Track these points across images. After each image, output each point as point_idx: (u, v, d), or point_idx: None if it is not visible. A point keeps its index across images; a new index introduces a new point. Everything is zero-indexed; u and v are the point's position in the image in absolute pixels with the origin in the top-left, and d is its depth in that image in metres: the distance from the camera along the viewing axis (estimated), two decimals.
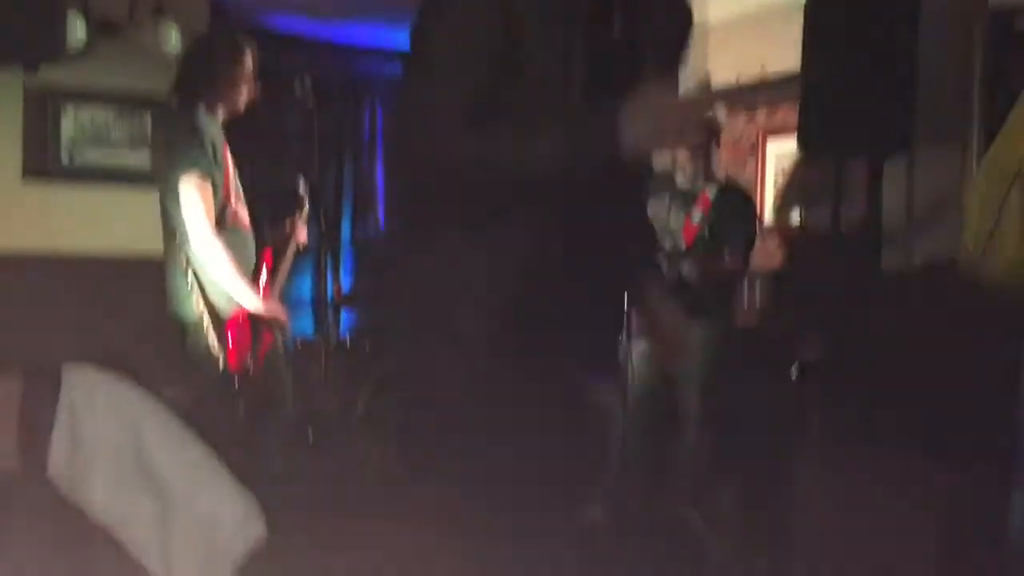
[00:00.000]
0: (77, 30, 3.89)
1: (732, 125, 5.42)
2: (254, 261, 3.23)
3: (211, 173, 2.97)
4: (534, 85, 1.42)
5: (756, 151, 5.25)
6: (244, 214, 3.18)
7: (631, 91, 1.39)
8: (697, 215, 3.73)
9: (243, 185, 3.20)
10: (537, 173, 1.43)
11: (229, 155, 3.12)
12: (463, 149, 1.42)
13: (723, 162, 5.40)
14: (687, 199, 3.77)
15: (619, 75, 1.48)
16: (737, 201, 3.84)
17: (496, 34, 1.40)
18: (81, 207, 4.17)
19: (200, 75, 3.09)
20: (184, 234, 2.98)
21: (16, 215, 4.06)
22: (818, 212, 4.08)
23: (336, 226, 5.92)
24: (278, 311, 3.17)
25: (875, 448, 2.83)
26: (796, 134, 3.44)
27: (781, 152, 5.05)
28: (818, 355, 3.44)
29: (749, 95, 5.00)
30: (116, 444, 0.74)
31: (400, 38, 5.74)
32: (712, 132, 3.77)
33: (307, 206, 3.60)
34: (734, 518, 3.59)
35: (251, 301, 3.07)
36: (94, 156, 4.15)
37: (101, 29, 4.10)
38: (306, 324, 5.60)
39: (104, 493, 0.74)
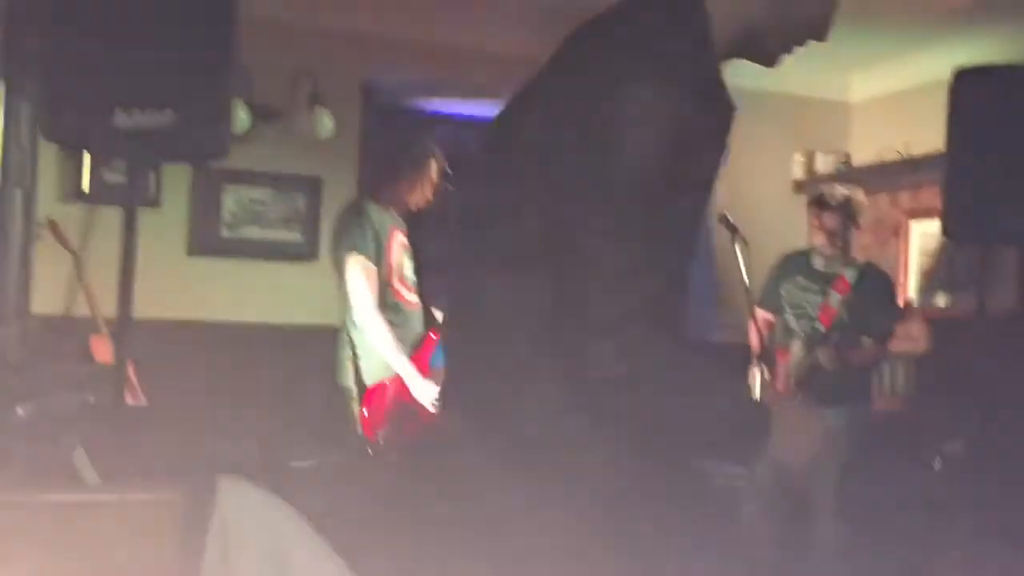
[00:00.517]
0: (241, 116, 4.20)
1: (874, 206, 5.32)
2: (417, 338, 3.48)
3: (372, 257, 3.33)
4: None
5: (899, 232, 5.12)
6: (408, 294, 3.50)
7: None
8: (835, 298, 3.67)
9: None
10: None
11: (396, 243, 3.45)
12: None
13: (864, 243, 5.30)
14: (825, 281, 3.72)
15: None
16: (877, 284, 3.75)
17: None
18: (239, 280, 4.43)
19: (378, 173, 3.43)
20: (348, 307, 3.35)
21: (181, 287, 4.34)
22: (964, 297, 3.95)
23: None
24: (431, 392, 3.33)
25: (1019, 549, 2.69)
26: (940, 219, 3.36)
27: (925, 233, 4.92)
28: (962, 446, 3.30)
29: (892, 176, 4.91)
30: (260, 554, 0.82)
31: None
32: (850, 214, 3.72)
33: None
34: None
35: (405, 372, 3.30)
36: (252, 232, 4.42)
37: (262, 115, 4.40)
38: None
39: None
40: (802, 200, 4.91)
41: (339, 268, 3.42)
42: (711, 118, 1.31)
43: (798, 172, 5.24)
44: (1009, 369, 3.36)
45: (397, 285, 3.45)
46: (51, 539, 0.86)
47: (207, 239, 4.40)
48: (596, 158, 1.23)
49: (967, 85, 3.27)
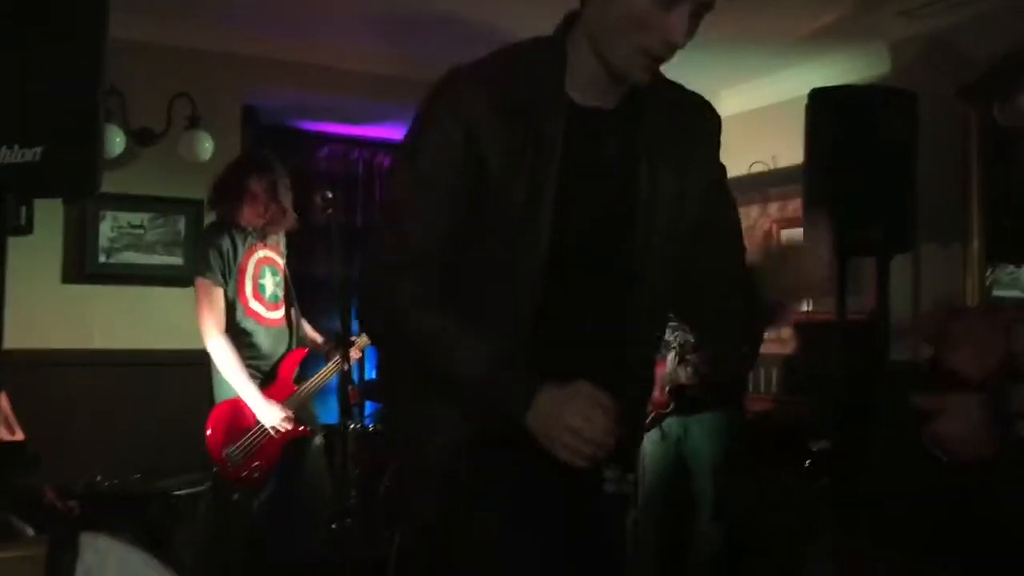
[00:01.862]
0: (116, 140, 4.13)
1: (746, 216, 5.55)
2: (278, 355, 3.44)
3: (217, 279, 3.37)
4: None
5: (769, 240, 5.36)
6: (268, 311, 3.48)
7: None
8: None
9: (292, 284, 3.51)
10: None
11: (252, 261, 3.43)
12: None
13: None
14: None
15: None
16: None
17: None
18: (117, 306, 4.34)
19: (224, 192, 3.43)
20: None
21: (56, 315, 4.23)
22: (826, 302, 4.16)
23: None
24: (274, 416, 3.33)
25: (883, 546, 2.86)
26: (802, 229, 3.55)
27: (794, 240, 5.16)
28: (828, 446, 3.49)
29: (761, 187, 5.14)
30: None
31: None
32: None
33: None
34: None
35: (247, 394, 3.32)
36: (131, 257, 4.34)
37: (139, 138, 4.33)
38: (332, 412, 5.72)
39: None
40: None
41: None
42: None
43: None
44: (865, 370, 3.57)
45: (253, 304, 3.45)
46: None
47: (83, 265, 4.30)
48: None
49: (821, 104, 3.47)
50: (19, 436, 3.33)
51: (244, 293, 3.41)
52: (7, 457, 2.89)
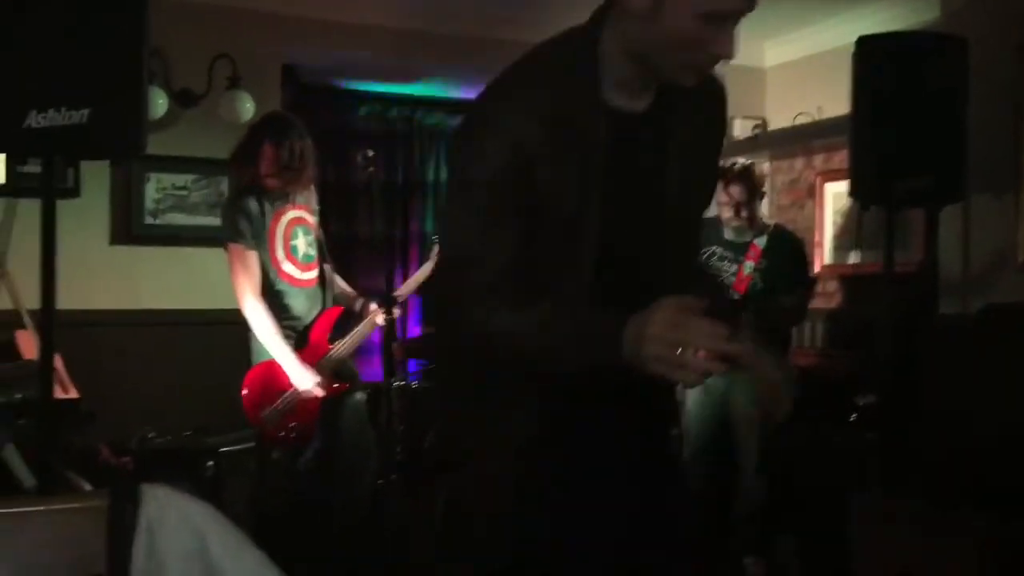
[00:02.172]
0: (158, 102, 4.17)
1: (790, 168, 5.48)
2: (312, 316, 3.48)
3: (250, 242, 3.35)
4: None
5: (814, 194, 5.29)
6: (301, 272, 3.49)
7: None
8: (748, 266, 3.80)
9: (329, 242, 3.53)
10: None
11: (283, 222, 3.45)
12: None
13: (781, 204, 5.46)
14: (737, 250, 3.85)
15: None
16: (787, 247, 3.89)
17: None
18: (164, 267, 4.41)
19: (240, 158, 3.47)
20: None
21: (105, 277, 4.30)
22: (875, 254, 4.11)
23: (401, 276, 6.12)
24: (308, 380, 3.36)
25: (932, 498, 2.84)
26: (848, 182, 3.49)
27: (838, 193, 5.09)
28: (875, 400, 3.46)
29: (806, 139, 5.06)
30: (185, 551, 0.88)
31: (461, 90, 5.95)
32: (752, 183, 3.84)
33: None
34: (792, 567, 3.62)
35: (282, 357, 3.34)
36: (176, 219, 4.40)
37: (181, 99, 4.36)
38: (376, 370, 5.80)
39: None
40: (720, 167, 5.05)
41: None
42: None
43: None
44: (913, 323, 3.53)
45: (286, 266, 3.44)
46: None
47: (130, 227, 4.37)
48: None
49: (868, 52, 3.39)
50: (73, 394, 3.41)
51: (276, 256, 3.41)
52: (62, 415, 2.96)
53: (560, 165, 1.50)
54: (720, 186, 3.80)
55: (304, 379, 3.36)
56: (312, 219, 3.56)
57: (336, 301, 3.60)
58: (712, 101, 1.71)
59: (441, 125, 6.26)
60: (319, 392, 3.37)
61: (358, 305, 3.67)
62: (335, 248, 6.03)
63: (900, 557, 2.77)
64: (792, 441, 3.81)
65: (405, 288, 3.87)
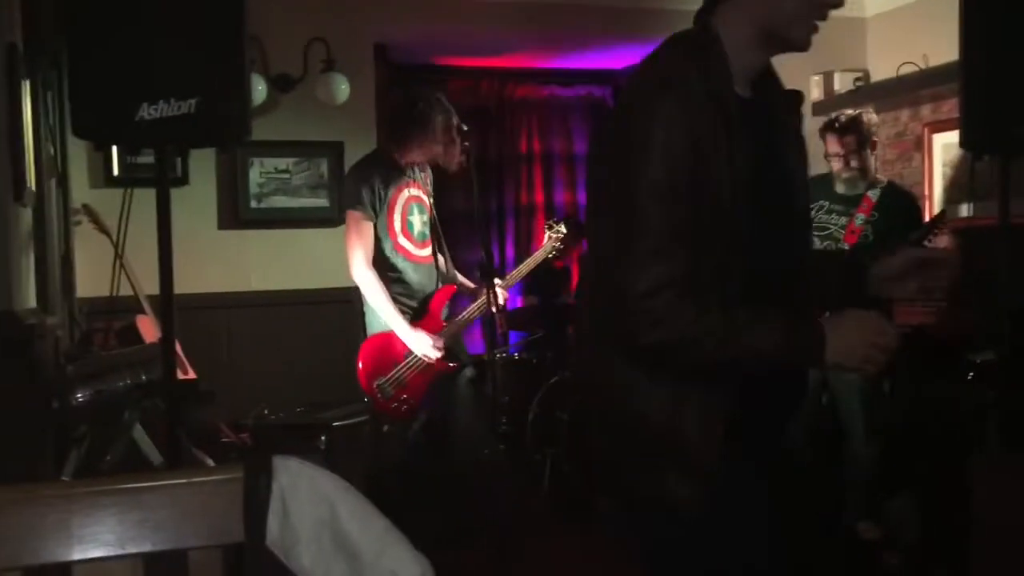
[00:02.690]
0: (258, 88, 4.27)
1: (896, 120, 5.29)
2: (427, 292, 3.51)
3: (368, 212, 3.41)
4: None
5: (921, 146, 5.10)
6: (416, 249, 3.54)
7: None
8: (860, 218, 3.70)
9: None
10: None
11: (402, 197, 3.49)
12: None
13: (888, 158, 5.29)
14: (849, 203, 3.75)
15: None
16: (901, 201, 3.77)
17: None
18: (270, 249, 4.54)
19: (387, 130, 3.59)
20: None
21: (215, 261, 4.45)
22: (988, 206, 3.94)
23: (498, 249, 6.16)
24: (424, 344, 3.41)
25: None
26: (959, 130, 3.36)
27: (947, 144, 4.90)
28: (994, 357, 3.34)
29: (911, 89, 4.88)
30: (316, 519, 0.92)
31: (549, 59, 5.92)
32: (862, 134, 3.72)
33: (549, 242, 3.85)
34: (909, 528, 3.53)
35: (397, 325, 3.39)
36: (279, 201, 4.51)
37: (278, 84, 4.46)
38: (478, 342, 5.86)
39: (309, 558, 0.93)
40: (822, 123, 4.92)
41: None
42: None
43: (817, 93, 5.21)
44: None
45: (402, 240, 3.49)
46: (129, 518, 0.96)
47: (236, 212, 4.50)
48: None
49: None
50: (191, 375, 3.56)
51: (393, 229, 3.47)
52: (183, 395, 3.08)
53: (713, 148, 1.54)
54: (831, 138, 3.71)
55: (420, 342, 3.42)
56: (428, 200, 3.62)
57: (449, 282, 3.66)
58: (798, 105, 1.79)
59: (531, 96, 6.24)
60: (435, 354, 3.43)
61: (475, 292, 3.71)
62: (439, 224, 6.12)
63: (1021, 517, 2.68)
64: (907, 402, 3.71)
65: (515, 274, 3.89)
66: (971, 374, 3.45)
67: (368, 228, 3.42)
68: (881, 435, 3.65)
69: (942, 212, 3.90)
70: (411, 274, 3.51)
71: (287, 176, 4.51)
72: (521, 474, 4.42)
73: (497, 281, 3.60)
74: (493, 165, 6.19)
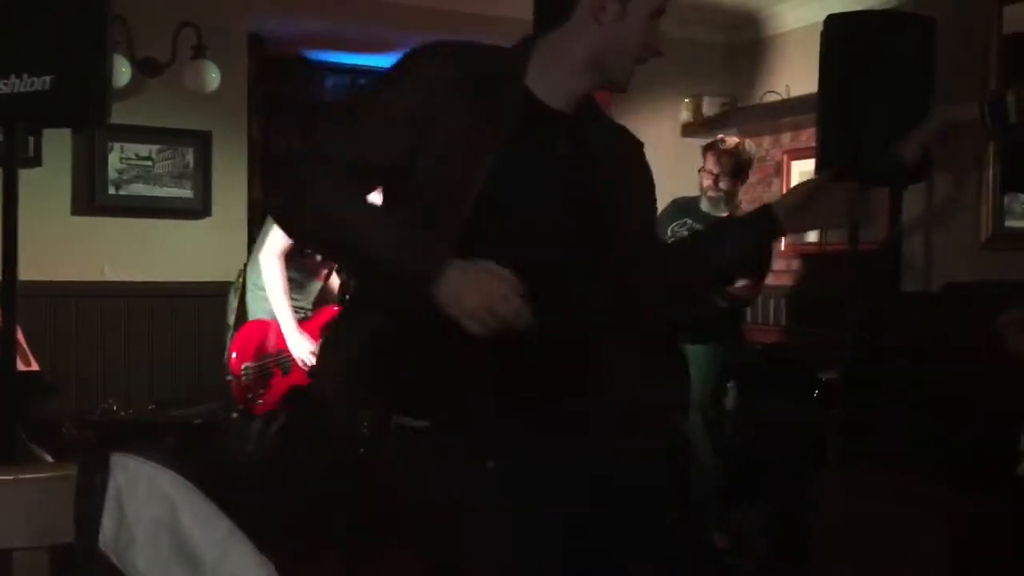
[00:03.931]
0: (122, 70, 4.09)
1: (758, 146, 5.51)
2: (311, 307, 3.57)
3: None
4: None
5: (780, 172, 5.33)
6: (314, 266, 3.56)
7: None
8: None
9: None
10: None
11: None
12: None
13: (749, 182, 5.50)
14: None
15: None
16: None
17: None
18: (127, 239, 4.35)
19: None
20: (254, 255, 3.45)
21: (67, 248, 4.24)
22: (840, 234, 4.15)
23: None
24: (304, 347, 3.39)
25: (895, 470, 2.89)
26: (815, 162, 3.52)
27: (804, 172, 5.13)
28: (838, 376, 3.51)
29: (773, 117, 5.08)
30: (154, 520, 0.88)
31: None
32: (739, 160, 3.88)
33: None
34: (758, 541, 3.67)
35: (285, 319, 3.37)
36: (140, 190, 4.33)
37: (144, 69, 4.29)
38: None
39: (144, 561, 0.88)
40: (690, 143, 5.07)
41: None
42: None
43: (686, 116, 5.38)
44: (878, 301, 3.57)
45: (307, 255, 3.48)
46: None
47: (92, 198, 4.30)
48: None
49: (837, 30, 3.41)
50: (34, 367, 3.37)
51: None
52: (24, 388, 2.92)
53: (467, 124, 1.58)
54: (711, 156, 3.87)
55: (301, 345, 3.38)
56: None
57: (332, 300, 3.67)
58: (637, 149, 1.84)
59: None
60: (311, 360, 3.39)
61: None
62: None
63: (862, 529, 2.83)
64: (755, 418, 3.86)
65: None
66: (816, 392, 3.61)
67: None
68: (725, 449, 3.79)
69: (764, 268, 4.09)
70: (312, 283, 3.55)
71: (149, 164, 4.33)
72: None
73: None
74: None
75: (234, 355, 3.40)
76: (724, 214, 3.87)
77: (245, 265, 3.53)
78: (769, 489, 3.76)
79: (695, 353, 3.73)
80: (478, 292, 1.46)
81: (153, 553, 0.90)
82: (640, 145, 1.84)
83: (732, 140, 3.91)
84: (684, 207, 3.95)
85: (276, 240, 3.36)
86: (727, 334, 3.90)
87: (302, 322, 3.46)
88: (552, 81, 1.67)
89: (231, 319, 3.53)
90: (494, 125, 1.60)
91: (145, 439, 3.59)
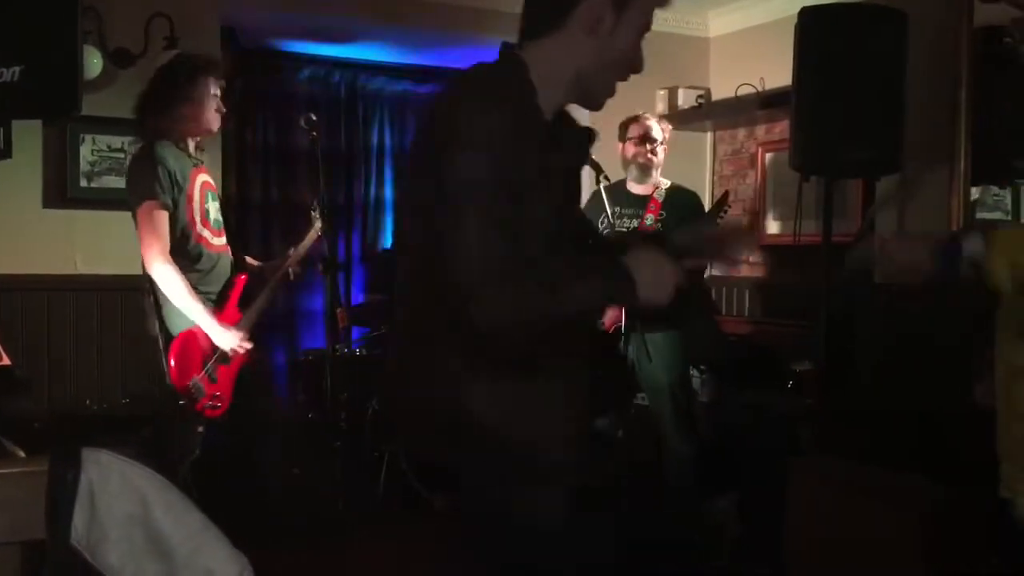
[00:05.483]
0: (94, 62, 4.05)
1: (733, 138, 5.54)
2: (223, 282, 3.43)
3: (167, 202, 3.22)
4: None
5: (755, 163, 5.36)
6: (214, 238, 3.41)
7: None
8: (649, 218, 3.90)
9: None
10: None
11: (198, 184, 3.35)
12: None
13: (724, 174, 5.52)
14: (637, 206, 3.97)
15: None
16: (684, 199, 4.02)
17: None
18: (100, 231, 4.31)
19: (152, 107, 3.31)
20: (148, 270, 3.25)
21: (38, 241, 4.20)
22: (815, 225, 4.18)
23: (341, 242, 6.08)
24: (231, 338, 3.33)
25: (866, 460, 2.92)
26: (789, 154, 3.54)
27: (780, 163, 5.15)
28: (812, 367, 3.53)
29: (748, 109, 5.10)
30: (127, 515, 0.87)
31: (404, 55, 5.89)
32: (651, 139, 3.97)
33: (317, 225, 3.77)
34: (730, 530, 3.70)
35: (202, 320, 3.28)
36: (112, 182, 4.28)
37: (117, 60, 4.24)
38: (319, 336, 5.76)
39: (117, 556, 0.88)
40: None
41: (134, 217, 3.28)
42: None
43: (661, 107, 5.39)
44: (851, 292, 3.60)
45: (200, 229, 3.33)
46: None
47: (64, 190, 4.25)
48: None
49: (810, 23, 3.42)
50: (5, 361, 3.34)
51: (193, 219, 3.30)
52: None
53: (526, 165, 1.64)
54: (632, 127, 4.03)
55: (228, 338, 3.32)
56: (216, 185, 3.51)
57: (240, 269, 3.54)
58: (590, 141, 1.95)
59: (385, 90, 6.19)
60: (246, 346, 3.34)
61: (259, 268, 3.64)
62: (279, 214, 5.98)
63: (834, 518, 2.86)
64: (731, 407, 3.88)
65: (294, 257, 3.76)
66: (791, 382, 3.64)
67: (164, 219, 3.22)
68: (703, 437, 3.81)
69: (725, 193, 4.15)
70: (210, 264, 3.37)
71: (121, 156, 4.28)
72: (359, 471, 4.37)
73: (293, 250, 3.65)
74: (342, 157, 6.10)
75: (177, 375, 3.27)
76: (650, 193, 3.94)
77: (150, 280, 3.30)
78: (743, 479, 3.79)
79: (656, 340, 3.75)
80: (659, 275, 1.65)
81: (126, 548, 0.90)
82: (592, 137, 1.94)
83: (646, 118, 4.08)
84: (615, 192, 4.01)
85: (157, 247, 3.20)
86: (685, 318, 3.93)
87: (218, 311, 3.34)
88: (543, 97, 1.72)
89: (153, 330, 3.34)
90: (536, 154, 1.67)
91: (119, 433, 3.56)
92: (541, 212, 1.67)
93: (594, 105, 1.80)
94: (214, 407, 3.35)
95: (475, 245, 1.59)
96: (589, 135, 1.93)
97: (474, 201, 1.60)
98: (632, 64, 1.73)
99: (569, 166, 1.86)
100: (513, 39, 1.82)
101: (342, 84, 6.07)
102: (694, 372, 4.22)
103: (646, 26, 1.72)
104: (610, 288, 1.66)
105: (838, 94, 3.32)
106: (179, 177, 3.25)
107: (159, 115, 3.29)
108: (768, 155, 5.27)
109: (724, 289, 5.16)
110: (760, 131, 5.35)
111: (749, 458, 3.78)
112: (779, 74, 4.45)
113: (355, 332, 5.60)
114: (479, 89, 1.70)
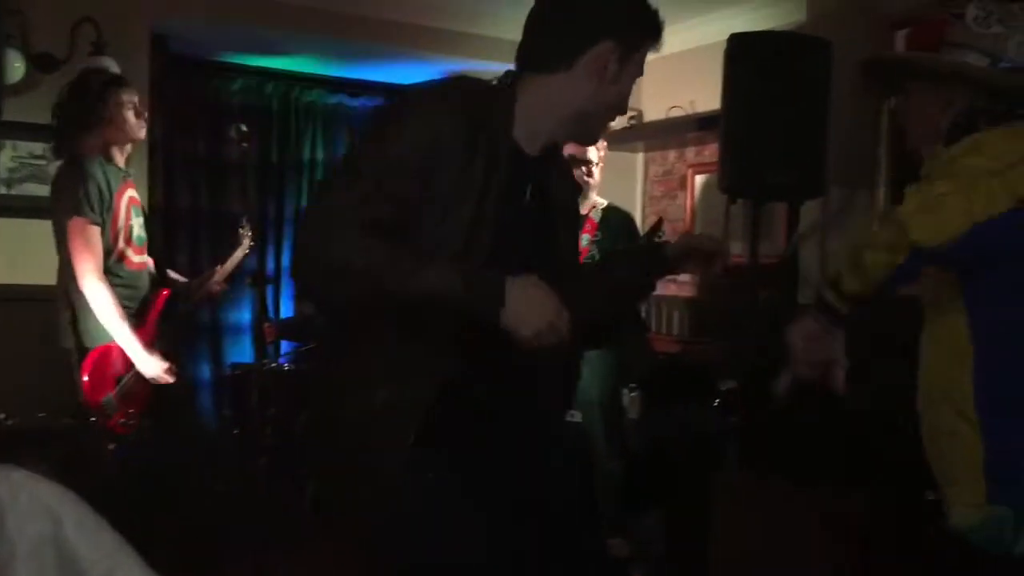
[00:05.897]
0: (16, 65, 3.95)
1: (663, 159, 5.62)
2: (141, 298, 3.38)
3: (95, 218, 3.18)
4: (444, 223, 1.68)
5: (685, 185, 5.44)
6: (135, 255, 3.36)
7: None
8: (585, 239, 3.92)
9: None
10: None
11: (124, 200, 3.30)
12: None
13: (654, 195, 5.60)
14: None
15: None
16: (619, 219, 4.02)
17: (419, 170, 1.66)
18: (19, 240, 4.19)
19: (68, 128, 3.29)
20: (68, 272, 3.20)
21: None
22: (741, 247, 4.26)
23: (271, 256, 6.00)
24: (155, 366, 3.27)
25: (784, 475, 2.98)
26: (718, 177, 3.61)
27: (709, 185, 5.25)
28: (736, 386, 3.59)
29: (679, 132, 5.19)
30: (37, 535, 0.84)
31: (339, 68, 5.86)
32: (587, 160, 3.95)
33: (245, 243, 3.72)
34: (656, 544, 3.73)
35: (126, 343, 3.22)
36: (32, 190, 4.17)
37: (40, 64, 4.14)
38: (247, 351, 5.67)
39: None
40: None
41: (59, 232, 3.22)
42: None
43: None
44: (776, 313, 3.68)
45: (123, 247, 3.29)
46: None
47: None
48: None
49: (739, 49, 3.51)
50: None
51: (116, 236, 3.26)
52: None
53: (467, 174, 1.66)
54: (568, 149, 3.95)
55: (152, 366, 3.26)
56: (140, 199, 3.46)
57: (162, 284, 3.49)
58: (575, 193, 2.06)
59: (319, 102, 6.14)
60: (170, 379, 3.28)
61: (185, 286, 3.60)
62: (207, 225, 5.87)
63: (755, 532, 2.90)
64: (657, 424, 3.92)
65: (219, 275, 3.73)
66: (716, 400, 3.69)
67: (96, 235, 3.17)
68: (630, 454, 3.84)
69: (659, 220, 4.18)
70: (130, 282, 3.32)
71: (43, 163, 4.17)
72: (284, 489, 4.30)
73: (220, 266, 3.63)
74: (274, 169, 6.03)
75: (90, 391, 3.20)
76: (586, 207, 3.93)
77: (66, 290, 3.25)
78: (669, 494, 3.83)
79: (588, 356, 3.77)
80: (538, 311, 1.58)
81: (36, 567, 0.87)
82: (578, 190, 2.08)
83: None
84: None
85: (90, 264, 3.15)
86: (622, 339, 3.96)
87: (137, 326, 3.28)
88: (534, 127, 1.78)
89: (67, 343, 3.28)
90: (489, 177, 1.69)
91: (32, 448, 3.45)
92: (448, 224, 1.66)
93: (588, 141, 1.99)
94: (127, 424, 3.28)
95: (327, 198, 1.67)
96: (566, 187, 1.97)
97: (352, 163, 1.69)
98: (621, 107, 1.83)
99: (537, 205, 1.84)
100: (444, 56, 1.86)
101: (275, 96, 6.01)
102: (624, 389, 4.25)
103: (640, 73, 1.82)
104: (470, 296, 1.60)
105: (765, 119, 3.41)
106: (107, 194, 3.21)
107: (79, 134, 3.27)
108: (698, 177, 5.36)
109: (653, 307, 5.22)
110: (690, 153, 5.44)
111: (676, 475, 3.82)
112: (709, 98, 4.53)
113: (284, 346, 5.53)
114: (437, 93, 1.74)
